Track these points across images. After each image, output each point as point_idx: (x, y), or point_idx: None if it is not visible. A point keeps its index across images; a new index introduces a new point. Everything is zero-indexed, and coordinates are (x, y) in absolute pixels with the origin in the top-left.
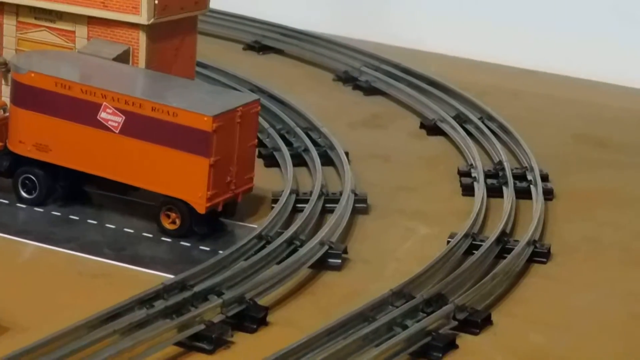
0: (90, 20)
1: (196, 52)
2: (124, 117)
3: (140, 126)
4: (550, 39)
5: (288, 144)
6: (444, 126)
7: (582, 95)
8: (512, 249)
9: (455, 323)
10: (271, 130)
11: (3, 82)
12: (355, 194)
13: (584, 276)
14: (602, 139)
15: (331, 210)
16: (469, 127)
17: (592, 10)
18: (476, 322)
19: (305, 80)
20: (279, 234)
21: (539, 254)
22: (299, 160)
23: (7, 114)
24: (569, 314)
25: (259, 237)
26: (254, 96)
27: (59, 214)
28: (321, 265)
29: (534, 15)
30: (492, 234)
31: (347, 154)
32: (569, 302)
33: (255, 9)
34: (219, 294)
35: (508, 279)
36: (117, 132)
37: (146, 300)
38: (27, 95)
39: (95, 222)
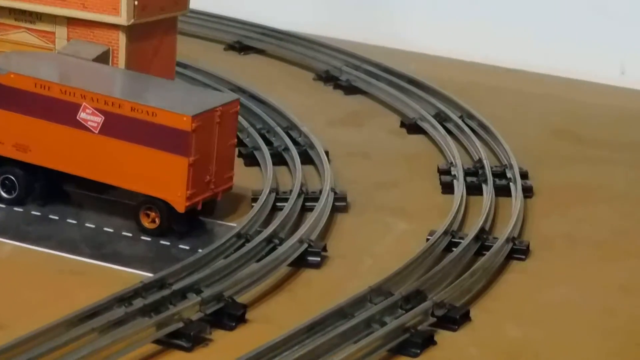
0: (70, 21)
1: (176, 52)
2: (103, 117)
3: (119, 126)
4: (528, 37)
5: (268, 143)
6: (424, 124)
7: (559, 92)
8: (491, 246)
9: (434, 319)
10: (251, 130)
11: None
12: (335, 192)
13: (561, 272)
14: (580, 135)
15: (311, 209)
16: (449, 125)
17: (569, 7)
18: (454, 318)
19: (286, 80)
20: (258, 232)
21: (518, 251)
22: (279, 159)
23: None
24: (546, 309)
25: (238, 235)
26: (234, 96)
27: (38, 213)
28: (300, 263)
29: (513, 13)
30: (471, 231)
31: (327, 152)
32: (546, 297)
33: (236, 9)
34: (198, 292)
35: (487, 275)
36: (96, 132)
37: (125, 299)
38: (6, 96)
39: (74, 221)
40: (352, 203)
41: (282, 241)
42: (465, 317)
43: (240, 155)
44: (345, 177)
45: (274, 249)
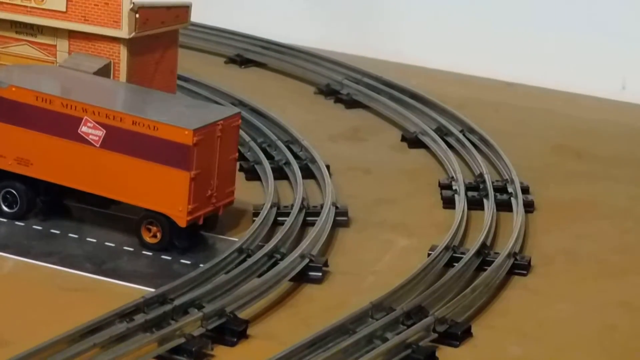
0: (72, 34)
1: (177, 65)
2: (104, 131)
3: (121, 140)
4: (529, 51)
5: (269, 157)
6: (425, 139)
7: (560, 107)
8: (492, 262)
9: (435, 335)
10: (252, 144)
11: None
12: (336, 207)
13: (562, 288)
14: (580, 150)
15: (312, 224)
16: (450, 139)
17: (570, 22)
18: (456, 334)
19: (287, 94)
20: (260, 247)
21: (519, 266)
22: (280, 174)
23: None
24: (547, 326)
25: (240, 250)
26: (235, 110)
27: (39, 228)
28: (302, 278)
29: (514, 28)
30: (472, 246)
31: (328, 167)
32: (547, 313)
33: (236, 22)
34: (200, 307)
35: (488, 291)
36: (97, 146)
37: (126, 314)
38: (7, 109)
39: (76, 236)
40: (354, 218)
41: (283, 256)
42: (467, 333)
43: (241, 169)
44: (346, 191)
45: (275, 264)
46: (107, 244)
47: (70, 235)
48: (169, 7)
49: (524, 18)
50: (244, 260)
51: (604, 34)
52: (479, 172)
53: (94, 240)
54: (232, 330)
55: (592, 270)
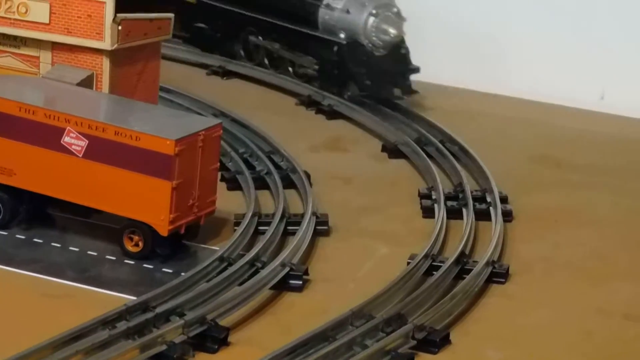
0: (55, 46)
1: (159, 76)
2: (87, 141)
3: (103, 150)
4: (507, 61)
5: (250, 167)
6: (405, 149)
7: (539, 116)
8: (471, 270)
9: (414, 342)
10: (234, 154)
11: None
12: (317, 216)
13: (541, 295)
14: (559, 160)
15: (293, 233)
16: (430, 149)
17: (549, 32)
18: (435, 341)
19: (269, 105)
20: (241, 255)
21: (498, 274)
22: (261, 183)
23: None
24: (525, 332)
25: (221, 259)
26: (216, 120)
27: (22, 237)
28: (283, 286)
29: (492, 38)
30: (451, 255)
31: (309, 176)
32: (525, 320)
33: None
34: (181, 315)
35: (467, 298)
36: (80, 156)
37: (109, 321)
38: None
39: (58, 244)
40: (334, 227)
41: (264, 265)
42: (446, 340)
43: (222, 179)
44: (327, 201)
45: (256, 272)
46: (89, 252)
47: (53, 244)
48: (151, 19)
49: (504, 27)
50: (225, 268)
51: (583, 44)
52: (458, 182)
53: (77, 249)
54: (214, 338)
55: (570, 278)
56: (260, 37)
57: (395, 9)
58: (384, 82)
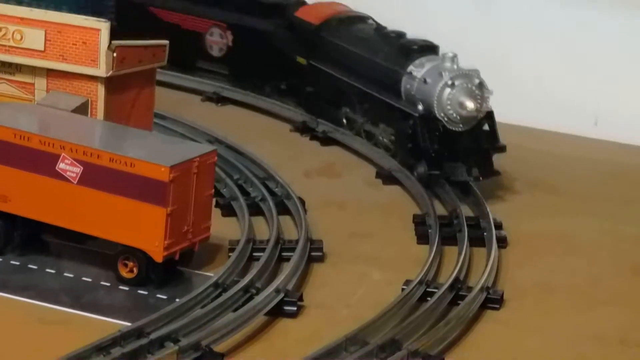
0: (50, 73)
1: (154, 103)
2: (82, 168)
3: (98, 176)
4: (502, 87)
5: (245, 193)
6: (399, 175)
7: (533, 143)
8: (465, 296)
9: None
10: (228, 180)
11: None
12: (311, 242)
13: (535, 321)
14: (553, 186)
15: (287, 259)
16: None
17: (543, 58)
18: None
19: (263, 131)
20: (235, 282)
21: (492, 300)
22: (256, 210)
23: None
24: (519, 358)
25: (216, 285)
26: (211, 147)
27: (17, 263)
28: (277, 312)
29: (488, 65)
30: (446, 281)
31: (303, 202)
32: (519, 346)
33: None
34: (176, 341)
35: (461, 324)
36: (75, 182)
37: (103, 347)
38: None
39: (53, 270)
40: (329, 253)
41: (258, 291)
42: None
43: (217, 205)
44: (321, 227)
45: (250, 298)
46: (84, 278)
47: (48, 269)
48: (146, 46)
49: (498, 54)
50: (220, 294)
51: (576, 71)
52: (452, 208)
53: (72, 275)
54: None
55: (564, 303)
56: (354, 106)
57: (477, 81)
58: (461, 161)
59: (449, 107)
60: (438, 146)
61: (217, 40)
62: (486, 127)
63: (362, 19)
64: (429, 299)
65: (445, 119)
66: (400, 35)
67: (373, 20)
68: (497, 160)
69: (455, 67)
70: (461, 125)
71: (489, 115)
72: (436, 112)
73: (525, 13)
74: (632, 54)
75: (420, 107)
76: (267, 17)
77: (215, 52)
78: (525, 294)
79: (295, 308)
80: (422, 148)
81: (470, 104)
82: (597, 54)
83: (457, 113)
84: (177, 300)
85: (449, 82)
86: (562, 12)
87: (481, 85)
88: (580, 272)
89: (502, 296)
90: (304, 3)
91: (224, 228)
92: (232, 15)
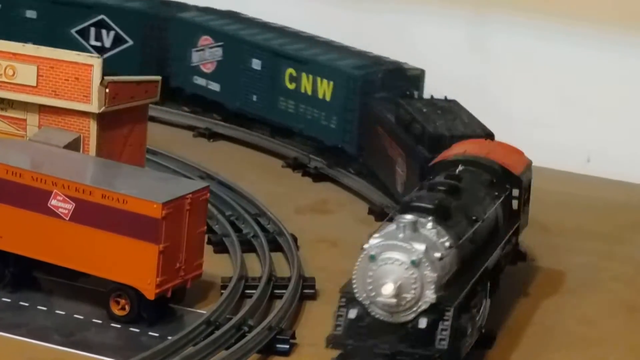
0: (42, 109)
1: (147, 139)
2: (74, 205)
3: (90, 213)
4: (494, 124)
5: (237, 230)
6: (392, 212)
7: None
8: None
9: None
10: (220, 217)
11: None
12: (304, 279)
13: (528, 358)
14: (547, 224)
15: (280, 296)
16: None
17: (536, 96)
18: None
19: (255, 167)
20: (228, 319)
21: (486, 339)
22: (248, 246)
23: None
24: None
25: (208, 322)
26: (203, 183)
27: (8, 300)
28: (269, 350)
29: (482, 104)
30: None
31: (295, 239)
32: None
33: None
34: None
35: None
36: (67, 219)
37: None
38: None
39: (45, 308)
40: (321, 290)
41: (251, 328)
42: None
43: (209, 242)
44: (313, 264)
45: (243, 336)
46: (76, 316)
47: (39, 307)
48: (138, 82)
49: (492, 93)
50: (212, 332)
51: (569, 108)
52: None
53: (63, 313)
54: None
55: (560, 344)
56: None
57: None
58: None
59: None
60: None
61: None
62: None
63: None
64: None
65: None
66: None
67: None
68: None
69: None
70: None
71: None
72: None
73: (519, 54)
74: (624, 93)
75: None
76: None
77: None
78: (518, 333)
79: (287, 346)
80: None
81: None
82: (590, 93)
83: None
84: (169, 338)
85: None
86: (555, 53)
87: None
88: (572, 312)
89: (495, 336)
90: None
91: (216, 265)
92: None
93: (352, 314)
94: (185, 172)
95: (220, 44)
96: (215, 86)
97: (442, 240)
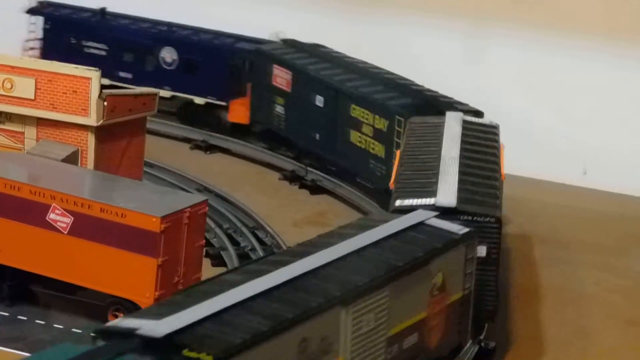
0: (40, 122)
1: (144, 152)
2: (72, 218)
3: (88, 227)
4: None
5: (235, 243)
6: None
7: (522, 192)
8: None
9: None
10: (218, 230)
11: None
12: None
13: None
14: (543, 236)
15: None
16: None
17: (532, 110)
18: None
19: (252, 179)
20: None
21: (485, 352)
22: (246, 259)
23: None
24: None
25: None
26: (202, 197)
27: (6, 314)
28: None
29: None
30: None
31: None
32: None
33: None
34: None
35: None
36: (65, 232)
37: None
38: None
39: (42, 322)
40: None
41: None
42: None
43: (207, 255)
44: None
45: None
46: (74, 329)
47: (37, 321)
48: (136, 95)
49: (487, 105)
50: None
51: (565, 122)
52: None
53: (61, 326)
54: None
55: (554, 355)
56: None
57: None
58: None
59: None
60: None
61: None
62: None
63: None
64: None
65: None
66: None
67: None
68: None
69: None
70: None
71: None
72: None
73: (515, 64)
74: (621, 105)
75: None
76: None
77: None
78: (516, 347)
79: None
80: None
81: None
82: (586, 106)
83: None
84: None
85: None
86: (552, 63)
87: None
88: (571, 325)
89: (494, 348)
90: None
91: None
92: None
93: None
94: (183, 184)
95: None
96: None
97: None
